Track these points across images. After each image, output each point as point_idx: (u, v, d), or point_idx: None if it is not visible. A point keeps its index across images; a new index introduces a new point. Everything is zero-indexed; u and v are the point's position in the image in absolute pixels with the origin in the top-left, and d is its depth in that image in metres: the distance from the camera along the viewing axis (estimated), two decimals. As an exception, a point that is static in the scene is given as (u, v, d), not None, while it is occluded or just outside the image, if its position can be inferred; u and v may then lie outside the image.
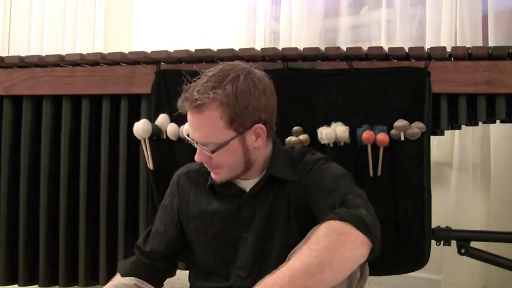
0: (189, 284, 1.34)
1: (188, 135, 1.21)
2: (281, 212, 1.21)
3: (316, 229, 1.01)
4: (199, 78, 1.18)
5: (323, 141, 1.52)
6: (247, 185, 1.25)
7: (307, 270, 0.92)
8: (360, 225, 0.99)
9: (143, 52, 1.73)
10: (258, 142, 1.20)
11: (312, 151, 1.31)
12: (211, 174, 1.24)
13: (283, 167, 1.24)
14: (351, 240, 0.97)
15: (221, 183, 1.23)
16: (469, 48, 1.50)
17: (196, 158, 1.19)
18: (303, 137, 1.55)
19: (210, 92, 1.12)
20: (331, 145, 1.52)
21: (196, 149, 1.19)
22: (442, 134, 1.60)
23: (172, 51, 1.70)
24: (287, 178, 1.22)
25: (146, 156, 1.64)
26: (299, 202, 1.20)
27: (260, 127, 1.19)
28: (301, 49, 1.61)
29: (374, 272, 1.53)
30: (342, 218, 1.00)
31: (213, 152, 1.16)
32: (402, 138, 1.47)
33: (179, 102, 1.18)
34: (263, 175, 1.23)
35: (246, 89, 1.15)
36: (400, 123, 1.47)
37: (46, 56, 1.85)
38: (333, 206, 1.08)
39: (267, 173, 1.23)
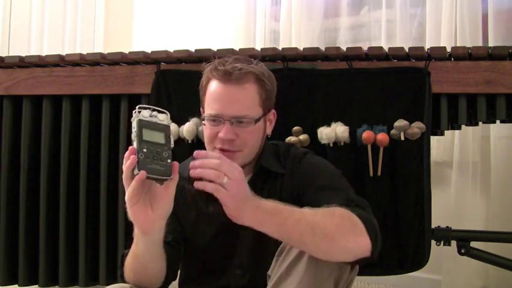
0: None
1: (210, 115, 1.18)
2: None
3: (333, 206, 1.03)
4: (221, 60, 1.19)
5: (323, 141, 1.52)
6: None
7: (312, 227, 0.96)
8: (371, 232, 1.01)
9: (143, 52, 1.73)
10: (269, 128, 1.26)
11: (296, 146, 1.35)
12: None
13: (272, 160, 1.25)
14: (359, 238, 1.00)
15: None
16: (469, 48, 1.50)
17: (224, 135, 1.15)
18: (303, 137, 1.55)
19: (249, 67, 1.17)
20: (331, 145, 1.52)
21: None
22: (442, 134, 1.60)
23: (172, 51, 1.70)
24: (276, 171, 1.23)
25: (146, 156, 1.64)
26: (291, 197, 1.20)
27: (274, 113, 1.28)
28: (301, 49, 1.61)
29: (374, 272, 1.54)
30: (358, 216, 1.01)
31: (246, 125, 1.17)
32: (402, 138, 1.47)
33: (209, 72, 1.19)
34: (255, 168, 1.24)
35: (270, 73, 1.24)
36: (400, 123, 1.47)
37: (46, 56, 1.85)
38: (338, 202, 1.08)
39: (258, 164, 1.24)
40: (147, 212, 0.96)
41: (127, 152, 0.92)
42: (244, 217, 0.95)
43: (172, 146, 0.95)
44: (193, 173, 0.92)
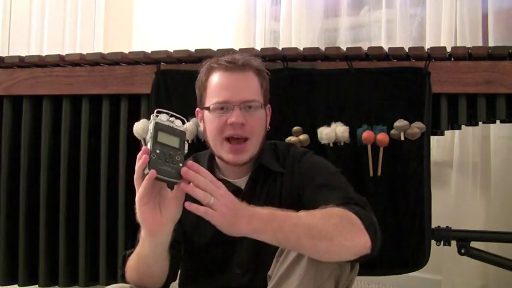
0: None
1: (218, 103, 1.19)
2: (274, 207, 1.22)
3: (330, 207, 1.03)
4: (219, 56, 1.24)
5: (323, 141, 1.52)
6: (241, 183, 1.25)
7: (310, 229, 0.96)
8: (370, 229, 1.01)
9: (143, 52, 1.73)
10: (268, 122, 1.28)
11: (295, 145, 1.36)
12: (233, 156, 1.20)
13: (271, 159, 1.26)
14: (357, 236, 1.00)
15: (242, 163, 1.22)
16: (469, 48, 1.50)
17: (235, 119, 1.17)
18: (303, 137, 1.55)
19: (248, 58, 1.22)
20: (331, 145, 1.52)
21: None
22: (442, 134, 1.60)
23: (172, 51, 1.70)
24: (276, 170, 1.24)
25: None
26: (291, 196, 1.21)
27: (269, 108, 1.30)
28: (301, 49, 1.61)
29: (374, 272, 1.54)
30: (356, 214, 1.02)
31: (255, 110, 1.20)
32: (402, 138, 1.47)
33: (209, 66, 1.23)
34: (254, 167, 1.25)
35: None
36: (400, 123, 1.47)
37: (46, 56, 1.85)
38: (336, 201, 1.08)
39: (257, 162, 1.24)
40: (156, 214, 0.96)
41: (140, 152, 0.93)
42: (239, 229, 0.94)
43: (186, 151, 0.96)
44: (184, 188, 0.92)
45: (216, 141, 1.22)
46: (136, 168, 0.93)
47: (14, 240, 1.83)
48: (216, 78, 1.22)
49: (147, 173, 0.91)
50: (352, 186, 1.19)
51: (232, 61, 1.20)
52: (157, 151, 0.91)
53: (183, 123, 0.98)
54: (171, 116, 0.97)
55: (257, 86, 1.23)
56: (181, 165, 0.93)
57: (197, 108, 1.29)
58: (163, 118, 0.95)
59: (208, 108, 1.22)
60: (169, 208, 0.96)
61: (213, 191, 0.91)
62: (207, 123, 1.24)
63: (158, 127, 0.94)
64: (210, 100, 1.22)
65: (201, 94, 1.26)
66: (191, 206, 0.91)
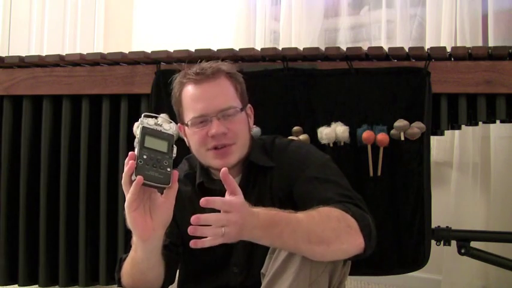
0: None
1: (195, 117, 1.18)
2: (266, 205, 1.21)
3: (328, 208, 1.03)
4: (186, 70, 1.23)
5: (323, 141, 1.52)
6: None
7: (308, 235, 0.97)
8: (365, 230, 1.03)
9: (143, 52, 1.73)
10: (251, 122, 1.27)
11: (280, 137, 1.35)
12: (220, 160, 1.19)
13: (260, 155, 1.25)
14: (353, 238, 1.01)
15: (229, 165, 1.20)
16: (469, 48, 1.50)
17: (216, 130, 1.15)
18: (303, 137, 1.55)
19: (216, 64, 1.21)
20: (331, 145, 1.52)
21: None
22: (442, 134, 1.60)
23: (172, 51, 1.70)
24: (265, 165, 1.23)
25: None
26: (282, 189, 1.21)
27: (250, 107, 1.29)
28: (301, 49, 1.61)
29: (374, 272, 1.54)
30: (353, 215, 1.03)
31: (233, 117, 1.18)
32: (402, 138, 1.47)
33: (179, 82, 1.22)
34: (244, 165, 1.24)
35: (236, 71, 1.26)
36: (400, 123, 1.47)
37: (46, 56, 1.84)
38: (332, 198, 1.08)
39: (247, 160, 1.24)
40: (146, 219, 0.96)
41: (127, 158, 0.92)
42: (242, 237, 0.95)
43: (174, 155, 0.95)
44: (196, 245, 0.91)
45: (201, 153, 1.22)
46: (123, 174, 0.92)
47: (14, 240, 1.83)
48: (188, 92, 1.21)
49: (134, 180, 0.90)
50: (343, 175, 1.19)
51: (201, 72, 1.19)
52: (145, 156, 0.90)
53: (172, 126, 0.97)
54: (157, 119, 0.96)
55: (231, 90, 1.21)
56: (169, 169, 0.92)
57: (178, 124, 1.28)
58: (150, 122, 0.94)
59: (187, 124, 1.21)
60: (160, 213, 0.96)
61: (224, 223, 0.90)
62: (189, 138, 1.24)
63: (145, 131, 0.93)
64: (187, 116, 1.21)
65: (178, 110, 1.26)
66: (197, 244, 0.91)
